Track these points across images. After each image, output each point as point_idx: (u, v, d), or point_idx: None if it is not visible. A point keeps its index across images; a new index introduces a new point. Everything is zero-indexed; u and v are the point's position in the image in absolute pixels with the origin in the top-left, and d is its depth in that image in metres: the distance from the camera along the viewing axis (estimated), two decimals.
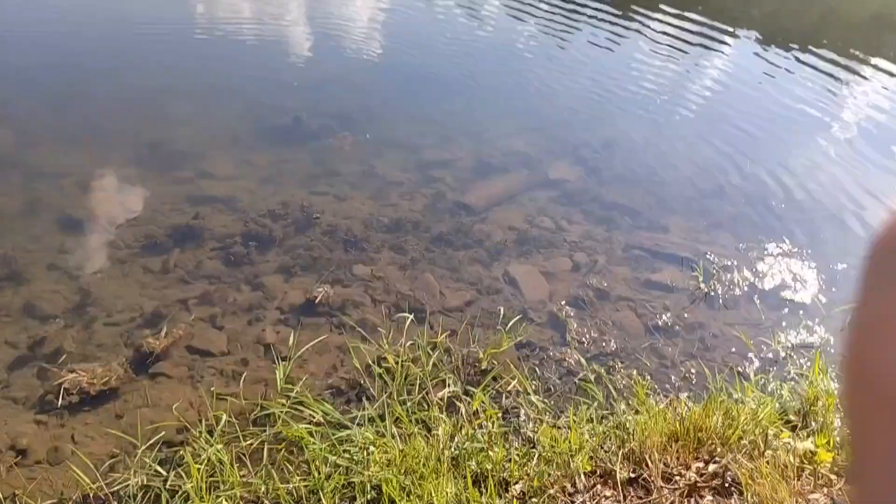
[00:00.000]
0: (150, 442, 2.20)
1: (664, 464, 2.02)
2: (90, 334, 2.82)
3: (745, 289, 3.49)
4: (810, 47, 6.32)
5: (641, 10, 6.98)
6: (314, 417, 2.29)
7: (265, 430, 2.25)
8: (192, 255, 3.39)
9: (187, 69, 5.33)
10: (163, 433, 2.26)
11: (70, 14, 5.98)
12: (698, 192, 4.21)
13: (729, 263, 3.61)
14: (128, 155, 4.13)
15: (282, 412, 2.29)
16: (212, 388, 2.51)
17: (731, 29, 6.61)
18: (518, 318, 2.99)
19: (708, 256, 3.64)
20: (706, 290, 3.42)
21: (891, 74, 5.76)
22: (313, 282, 3.23)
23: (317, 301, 3.06)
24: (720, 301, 3.39)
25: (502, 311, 3.07)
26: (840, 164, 4.59)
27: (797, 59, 6.11)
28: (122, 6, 6.25)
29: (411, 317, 2.88)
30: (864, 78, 5.90)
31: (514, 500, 1.91)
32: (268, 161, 4.19)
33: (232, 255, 3.37)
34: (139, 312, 2.98)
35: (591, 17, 6.71)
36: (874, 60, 6.20)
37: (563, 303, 3.25)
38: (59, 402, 2.45)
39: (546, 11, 6.82)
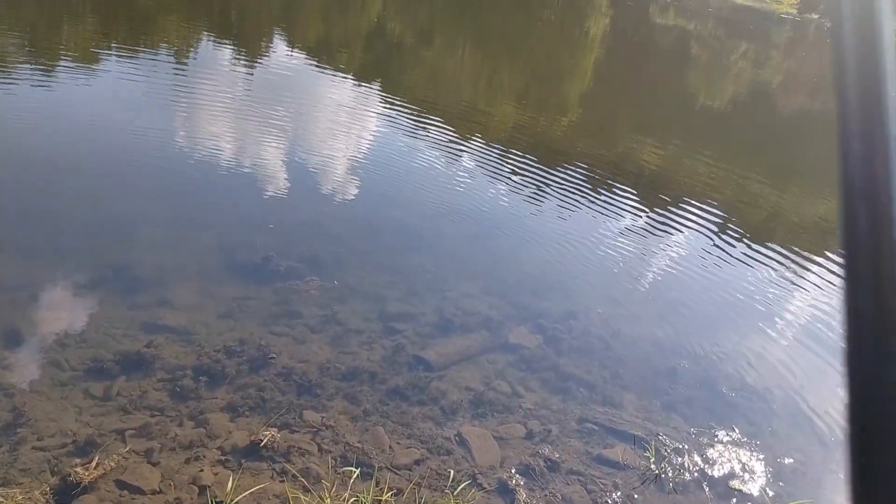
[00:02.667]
0: None
1: None
2: (16, 456, 2.65)
3: (696, 474, 3.46)
4: (764, 241, 6.71)
5: (614, 187, 7.41)
6: None
7: None
8: (138, 384, 3.28)
9: (163, 195, 5.41)
10: None
11: (51, 128, 6.12)
12: (653, 371, 4.28)
13: (680, 446, 3.61)
14: (89, 275, 4.09)
15: None
16: None
17: (693, 213, 7.02)
18: (467, 482, 2.90)
19: (660, 437, 3.64)
20: (657, 471, 3.39)
21: (833, 274, 6.09)
22: (260, 424, 3.12)
23: (262, 444, 2.94)
24: (670, 484, 3.34)
25: (452, 474, 2.98)
26: (789, 356, 4.73)
27: (749, 250, 6.45)
28: (106, 123, 6.44)
29: (358, 471, 2.78)
30: (810, 274, 6.23)
31: None
32: (231, 296, 4.18)
33: (179, 388, 3.27)
34: (72, 439, 2.82)
35: (562, 188, 7.08)
36: (819, 260, 6.57)
37: (513, 470, 3.18)
38: None
39: (521, 177, 7.19)
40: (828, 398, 4.36)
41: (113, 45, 9.84)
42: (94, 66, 8.46)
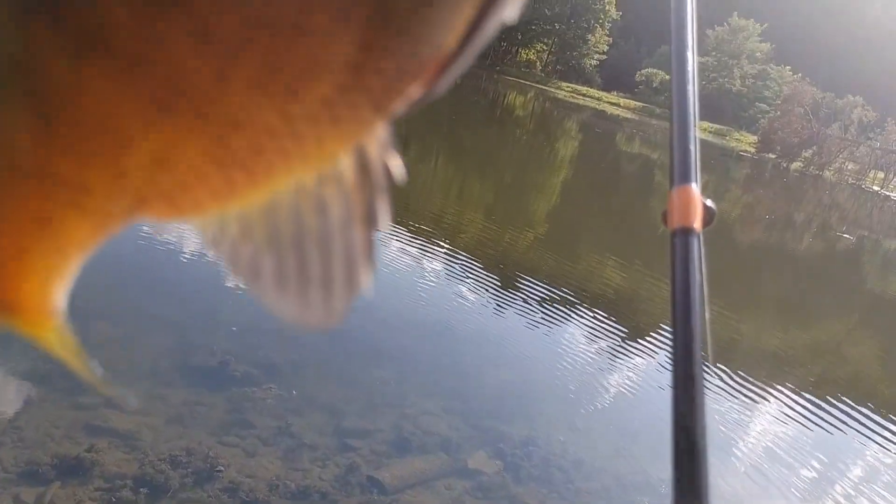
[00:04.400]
0: None
1: None
2: None
3: None
4: (725, 372, 6.75)
5: (576, 307, 7.47)
6: None
7: None
8: (73, 491, 3.08)
9: (121, 289, 5.29)
10: None
11: None
12: None
13: None
14: (34, 369, 3.91)
15: None
16: None
17: (652, 338, 7.07)
18: None
19: None
20: None
21: (809, 408, 6.14)
22: None
23: None
24: None
25: None
26: (750, 492, 4.67)
27: (707, 380, 6.48)
28: None
29: None
30: (769, 405, 6.26)
31: None
32: (182, 400, 4.02)
33: (117, 500, 3.08)
34: None
35: (526, 305, 7.11)
36: (775, 393, 6.62)
37: None
38: None
39: (486, 291, 7.22)
40: None
41: None
42: None
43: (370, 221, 0.29)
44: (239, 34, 0.18)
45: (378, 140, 0.28)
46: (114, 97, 0.19)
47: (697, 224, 0.63)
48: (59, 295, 0.30)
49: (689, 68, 0.73)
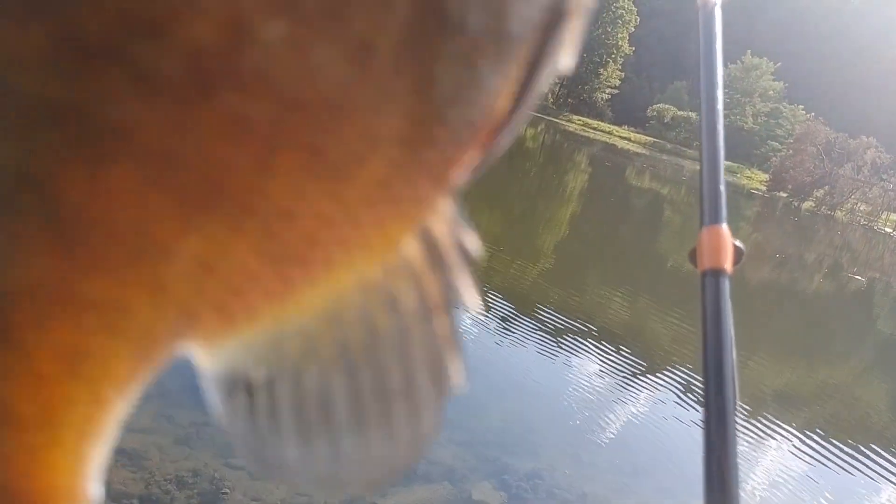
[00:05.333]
0: None
1: None
2: None
3: None
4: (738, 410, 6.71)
5: (583, 339, 7.46)
6: None
7: None
8: None
9: None
10: None
11: None
12: None
13: None
14: None
15: None
16: None
17: (659, 373, 7.05)
18: None
19: None
20: None
21: (817, 448, 6.09)
22: None
23: None
24: None
25: None
26: None
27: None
28: None
29: None
30: (781, 441, 6.21)
31: None
32: (189, 421, 4.04)
33: None
34: None
35: (532, 335, 7.11)
36: (783, 432, 6.57)
37: None
38: None
39: (491, 321, 7.23)
40: None
41: None
42: None
43: (449, 308, 0.26)
44: (276, 120, 0.17)
45: (445, 216, 0.26)
46: (143, 203, 0.17)
47: (728, 265, 0.64)
48: (94, 479, 0.25)
49: (719, 107, 0.74)
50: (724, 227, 0.66)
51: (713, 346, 0.60)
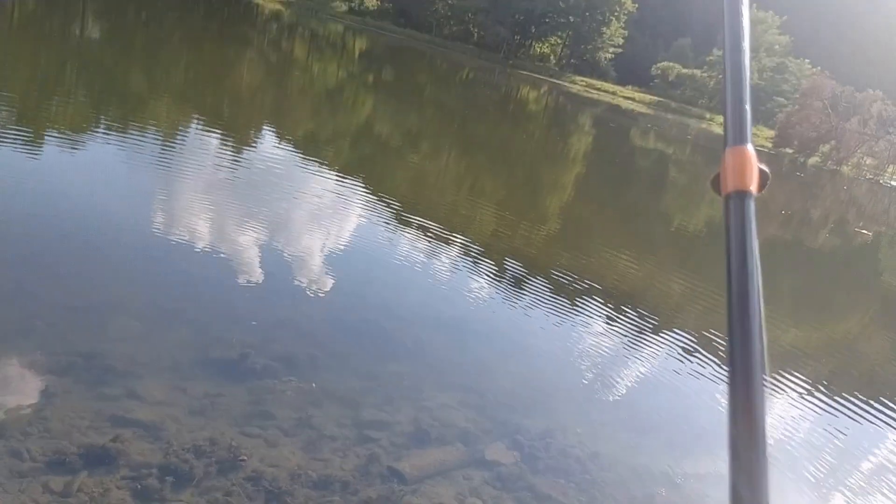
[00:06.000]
0: None
1: None
2: None
3: None
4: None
5: (592, 300, 7.48)
6: None
7: None
8: (101, 480, 3.15)
9: (142, 284, 5.37)
10: None
11: (28, 207, 6.11)
12: (629, 498, 4.19)
13: None
14: (59, 362, 3.98)
15: None
16: None
17: (670, 331, 7.08)
18: None
19: None
20: None
21: (827, 400, 6.12)
22: None
23: None
24: None
25: None
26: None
27: (724, 372, 6.47)
28: (86, 206, 6.45)
29: None
30: (792, 396, 6.25)
31: None
32: (203, 392, 4.08)
33: (143, 488, 3.14)
34: None
35: (541, 298, 7.13)
36: (790, 384, 6.60)
37: None
38: None
39: (501, 286, 7.25)
40: None
41: (101, 126, 9.99)
42: (78, 147, 8.57)
43: None
44: None
45: None
46: None
47: (753, 187, 0.62)
48: None
49: (744, 22, 0.70)
50: (750, 147, 0.64)
51: (738, 273, 0.57)
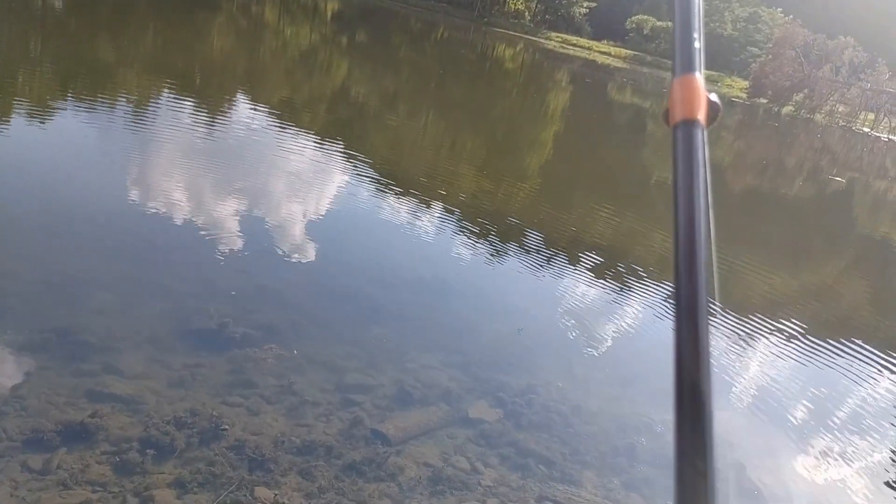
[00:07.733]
0: None
1: None
2: None
3: None
4: (722, 314, 6.81)
5: (573, 257, 7.50)
6: None
7: None
8: (80, 456, 3.11)
9: (116, 255, 5.28)
10: None
11: None
12: (612, 449, 4.24)
13: None
14: (32, 338, 3.92)
15: None
16: None
17: (650, 285, 7.12)
18: None
19: None
20: None
21: (797, 346, 6.22)
22: (209, 501, 2.98)
23: None
24: None
25: None
26: (748, 433, 4.75)
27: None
28: (57, 178, 6.31)
29: None
30: (769, 344, 6.35)
31: None
32: (182, 364, 4.04)
33: (124, 462, 3.11)
34: None
35: (522, 257, 7.13)
36: (768, 330, 6.70)
37: None
38: None
39: (482, 246, 7.23)
40: (794, 478, 4.37)
41: (69, 97, 9.73)
42: (48, 118, 8.34)
43: None
44: None
45: None
46: None
47: (702, 116, 0.59)
48: None
49: None
50: (698, 76, 0.60)
51: (685, 203, 0.54)
